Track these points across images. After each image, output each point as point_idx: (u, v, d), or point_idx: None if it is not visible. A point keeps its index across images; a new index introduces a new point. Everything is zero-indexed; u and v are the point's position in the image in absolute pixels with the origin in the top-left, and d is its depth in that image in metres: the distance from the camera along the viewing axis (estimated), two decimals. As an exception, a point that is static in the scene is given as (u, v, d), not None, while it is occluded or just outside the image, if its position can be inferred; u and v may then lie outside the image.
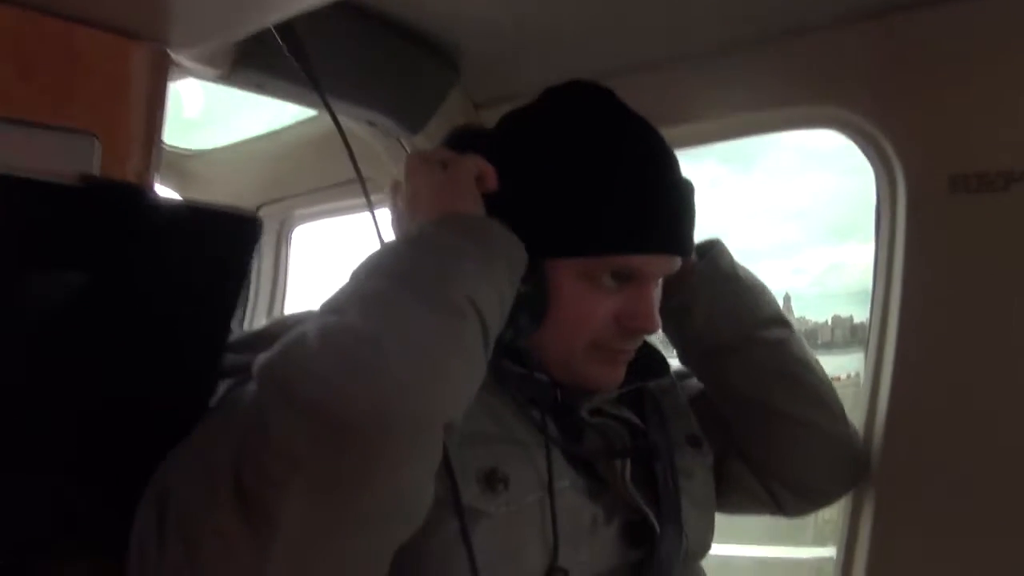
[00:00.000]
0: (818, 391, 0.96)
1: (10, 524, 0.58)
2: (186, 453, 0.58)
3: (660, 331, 0.99)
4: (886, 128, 1.01)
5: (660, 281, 0.84)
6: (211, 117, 1.80)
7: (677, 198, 0.80)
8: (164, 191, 1.80)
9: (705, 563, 0.92)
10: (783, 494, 0.98)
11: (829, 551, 1.19)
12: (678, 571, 0.82)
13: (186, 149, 1.79)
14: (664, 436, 0.88)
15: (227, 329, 0.65)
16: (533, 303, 0.76)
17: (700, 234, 0.87)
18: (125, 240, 0.54)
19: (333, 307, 0.61)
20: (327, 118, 1.20)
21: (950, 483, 0.96)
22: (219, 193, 1.81)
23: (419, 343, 0.59)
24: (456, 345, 0.61)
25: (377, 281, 0.63)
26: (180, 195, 1.81)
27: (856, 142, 1.07)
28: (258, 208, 1.82)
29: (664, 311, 0.91)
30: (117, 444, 0.60)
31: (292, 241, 1.85)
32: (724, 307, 0.95)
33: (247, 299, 0.66)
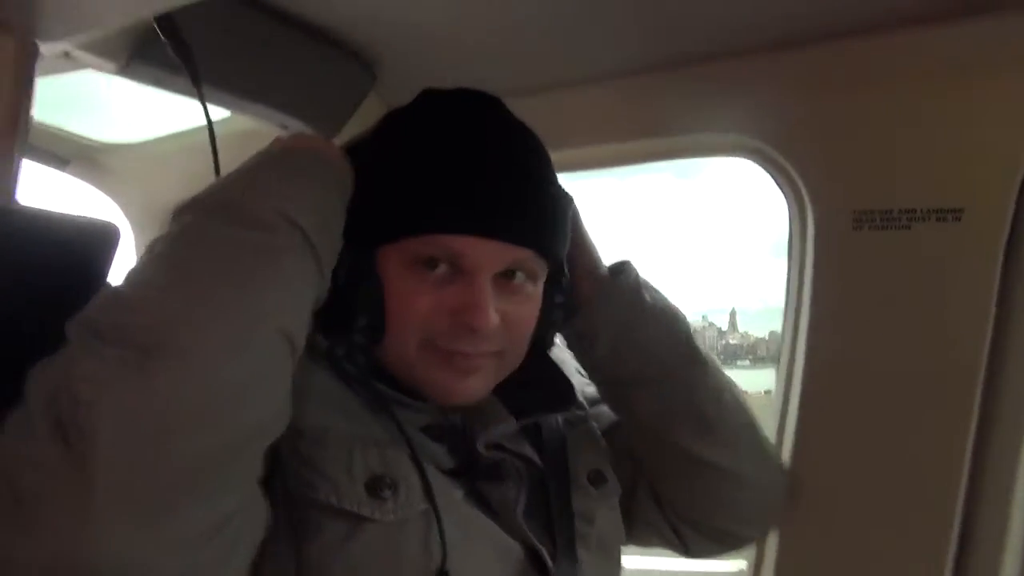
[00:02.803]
0: (732, 432, 0.91)
1: None
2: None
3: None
4: (796, 162, 1.02)
5: (524, 283, 0.77)
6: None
7: (513, 185, 0.74)
8: (78, 184, 1.73)
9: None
10: (689, 535, 0.94)
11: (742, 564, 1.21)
12: None
13: (102, 142, 1.71)
14: (562, 476, 0.84)
15: None
16: (370, 298, 0.72)
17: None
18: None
19: (147, 250, 0.62)
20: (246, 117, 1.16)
21: (855, 499, 0.99)
22: (136, 189, 1.74)
23: (223, 257, 0.60)
24: (268, 255, 0.61)
25: (188, 215, 0.63)
26: (97, 189, 1.74)
27: (769, 173, 1.08)
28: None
29: (568, 337, 0.88)
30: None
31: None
32: (630, 339, 0.88)
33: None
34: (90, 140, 1.67)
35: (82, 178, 1.70)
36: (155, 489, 0.52)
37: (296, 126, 1.15)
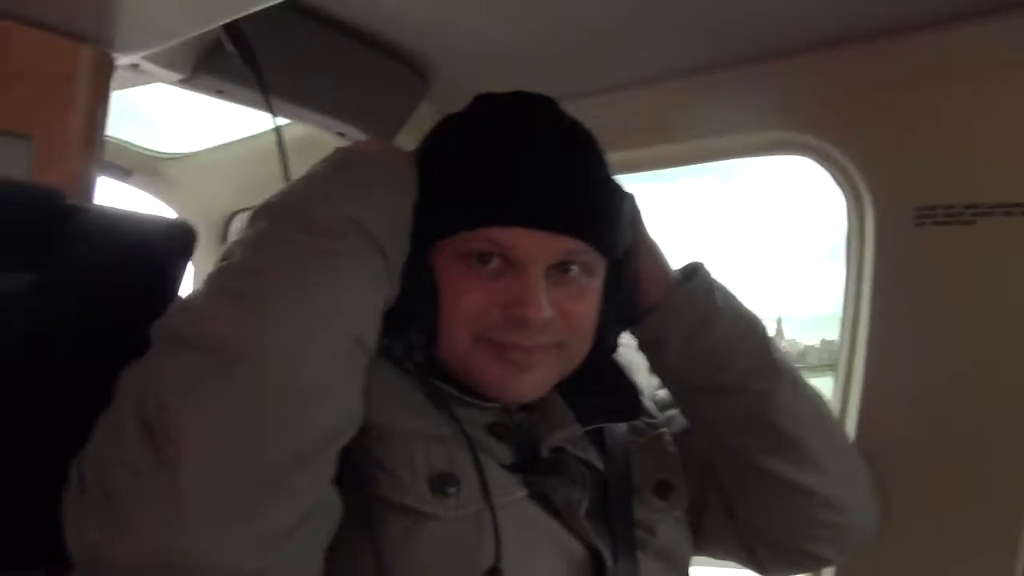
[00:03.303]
0: (809, 449, 0.84)
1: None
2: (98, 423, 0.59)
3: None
4: (856, 158, 1.01)
5: (579, 277, 0.76)
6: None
7: (562, 177, 0.73)
8: (140, 194, 1.79)
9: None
10: (766, 555, 0.90)
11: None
12: None
13: (162, 152, 1.77)
14: (625, 484, 0.82)
15: None
16: (424, 294, 0.73)
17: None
18: (42, 243, 0.54)
19: (224, 255, 0.64)
20: (303, 124, 1.20)
21: (921, 510, 0.96)
22: (195, 197, 1.80)
23: (295, 263, 0.61)
24: (338, 261, 0.63)
25: (261, 222, 0.65)
26: (157, 198, 1.79)
27: (827, 170, 1.06)
28: (233, 214, 1.80)
29: (639, 342, 0.87)
30: (47, 446, 0.59)
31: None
32: (700, 346, 0.83)
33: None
34: (152, 151, 1.72)
35: (144, 189, 1.76)
36: (238, 492, 0.54)
37: (352, 132, 1.17)
